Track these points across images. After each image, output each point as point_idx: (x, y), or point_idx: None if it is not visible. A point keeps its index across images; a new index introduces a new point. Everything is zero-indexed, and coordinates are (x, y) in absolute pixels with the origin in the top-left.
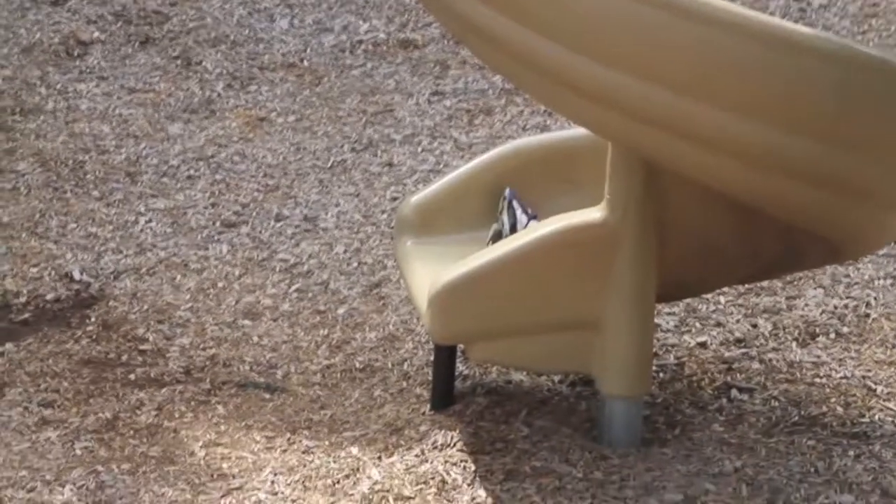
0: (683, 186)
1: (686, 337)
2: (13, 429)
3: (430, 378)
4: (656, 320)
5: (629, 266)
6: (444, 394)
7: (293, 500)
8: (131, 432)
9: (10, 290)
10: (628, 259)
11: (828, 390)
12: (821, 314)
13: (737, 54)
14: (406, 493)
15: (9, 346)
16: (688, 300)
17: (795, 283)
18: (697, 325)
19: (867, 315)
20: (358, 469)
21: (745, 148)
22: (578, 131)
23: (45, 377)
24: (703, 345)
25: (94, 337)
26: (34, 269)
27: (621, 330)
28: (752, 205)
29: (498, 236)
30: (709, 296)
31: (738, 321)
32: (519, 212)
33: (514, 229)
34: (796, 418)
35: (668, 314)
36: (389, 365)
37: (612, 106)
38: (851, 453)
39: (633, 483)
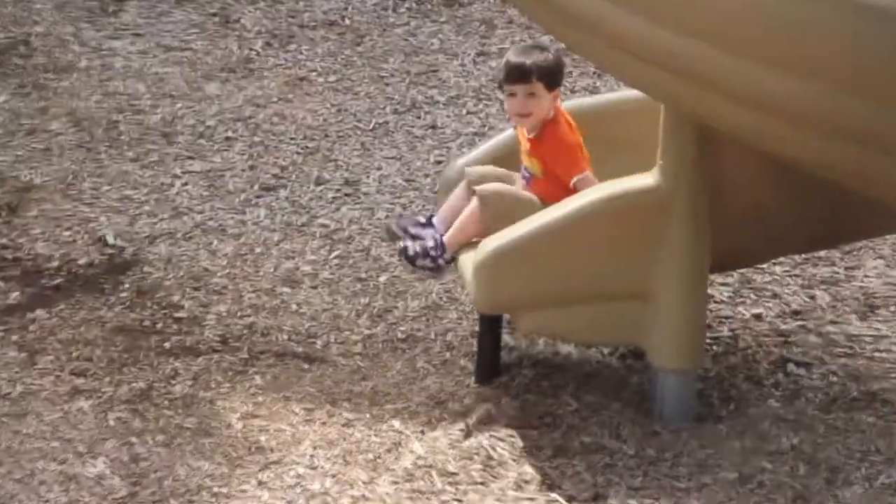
0: (736, 151)
1: (741, 308)
2: (45, 398)
3: (475, 349)
4: (709, 291)
5: (682, 233)
6: (490, 366)
7: (333, 475)
8: (166, 403)
9: (42, 254)
10: (681, 226)
11: (888, 365)
12: (881, 285)
13: (796, 14)
14: (450, 468)
15: (40, 312)
16: (742, 270)
17: (855, 252)
18: (752, 296)
19: None
20: (400, 443)
21: (802, 110)
22: (628, 94)
23: (77, 345)
24: (758, 317)
25: (128, 304)
26: (67, 233)
27: (673, 300)
28: (808, 169)
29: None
30: (764, 266)
31: (794, 292)
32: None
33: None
34: (855, 394)
35: (722, 285)
36: (432, 335)
37: (670, 68)
38: None
39: (687, 460)
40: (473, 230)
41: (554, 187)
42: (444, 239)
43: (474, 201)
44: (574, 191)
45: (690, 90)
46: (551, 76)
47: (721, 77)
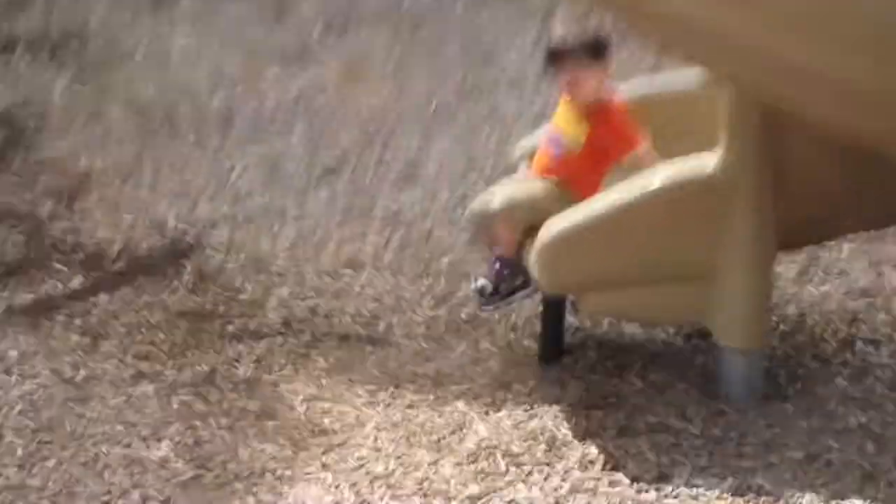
0: (800, 131)
1: (808, 287)
2: (108, 382)
3: (539, 330)
4: (777, 269)
5: (745, 215)
6: (554, 346)
7: (397, 457)
8: (229, 386)
9: (104, 238)
10: (744, 207)
11: None
12: None
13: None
14: (515, 449)
15: (102, 296)
16: (810, 248)
17: None
18: (820, 274)
19: None
20: (464, 425)
21: (864, 89)
22: (691, 75)
23: (140, 329)
24: (826, 295)
25: (190, 287)
26: (128, 218)
27: (737, 281)
28: (868, 148)
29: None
30: (832, 243)
31: (862, 270)
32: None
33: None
34: None
35: (790, 262)
36: (496, 316)
37: (734, 48)
38: None
39: (753, 440)
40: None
41: (588, 166)
42: (497, 254)
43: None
44: (600, 181)
45: (758, 70)
46: (595, 49)
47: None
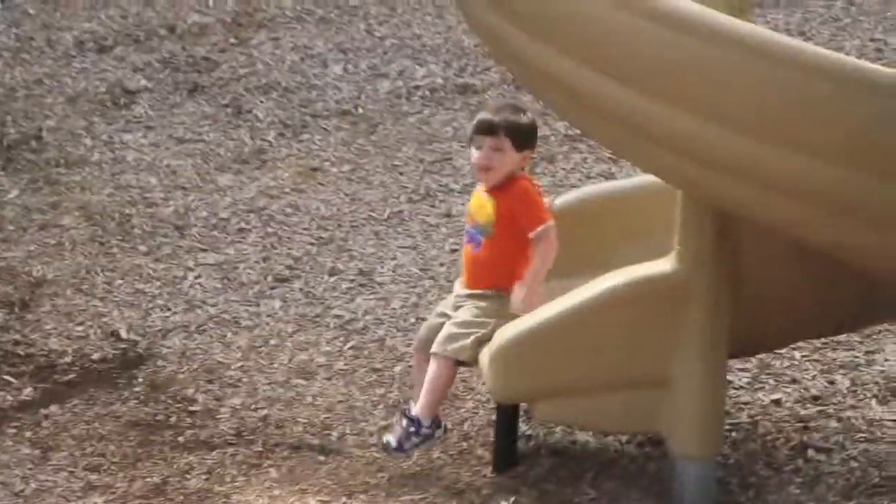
0: (758, 236)
1: (760, 394)
2: (59, 494)
3: (492, 439)
4: (728, 377)
5: (701, 321)
6: (507, 455)
7: None
8: (181, 498)
9: (55, 349)
10: (700, 313)
11: None
12: None
13: (810, 94)
14: None
15: (53, 408)
16: (761, 355)
17: (874, 336)
18: (771, 381)
19: None
20: None
21: (823, 191)
22: (644, 179)
23: (91, 440)
24: (777, 402)
25: (141, 398)
26: (80, 328)
27: (692, 387)
28: (833, 253)
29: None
30: (783, 351)
31: (814, 377)
32: None
33: None
34: (877, 480)
35: (741, 370)
36: (449, 425)
37: (684, 152)
38: None
39: None
40: (442, 390)
41: (506, 245)
42: (415, 412)
43: (433, 362)
44: (526, 253)
45: (712, 176)
46: (520, 135)
47: (744, 162)
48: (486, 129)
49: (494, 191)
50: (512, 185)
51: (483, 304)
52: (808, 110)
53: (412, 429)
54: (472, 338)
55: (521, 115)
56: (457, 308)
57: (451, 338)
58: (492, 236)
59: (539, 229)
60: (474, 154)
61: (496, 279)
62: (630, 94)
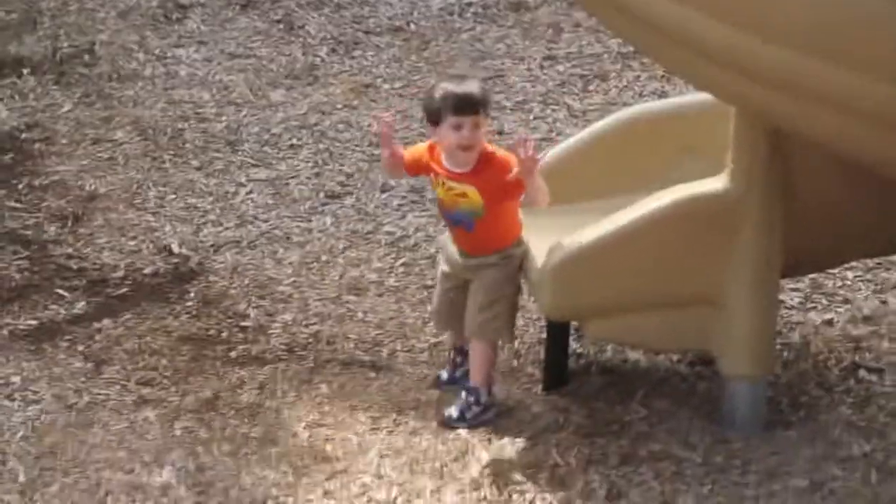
0: (809, 153)
1: (811, 314)
2: (111, 408)
3: (543, 356)
4: (780, 297)
5: (753, 238)
6: (557, 373)
7: (399, 484)
8: (232, 412)
9: (108, 263)
10: (752, 231)
11: None
12: None
13: (861, 10)
14: (517, 477)
15: (106, 321)
16: (813, 275)
17: None
18: (823, 301)
19: None
20: (467, 452)
21: (875, 108)
22: (697, 97)
23: (143, 354)
24: (829, 322)
25: (193, 313)
26: (132, 242)
27: (744, 306)
28: (883, 170)
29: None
30: (835, 270)
31: (866, 297)
32: None
33: None
34: None
35: (793, 290)
36: (499, 342)
37: (737, 68)
38: None
39: (756, 468)
40: (490, 361)
41: (499, 212)
42: (472, 383)
43: (476, 346)
44: (517, 202)
45: (764, 91)
46: (489, 106)
47: (795, 77)
48: (469, 106)
49: (466, 176)
50: (484, 160)
51: (491, 271)
52: (858, 26)
53: (472, 398)
54: (502, 319)
55: (483, 84)
56: (465, 278)
57: (483, 326)
58: (483, 217)
59: (514, 171)
60: (453, 134)
61: (497, 243)
62: (684, 10)
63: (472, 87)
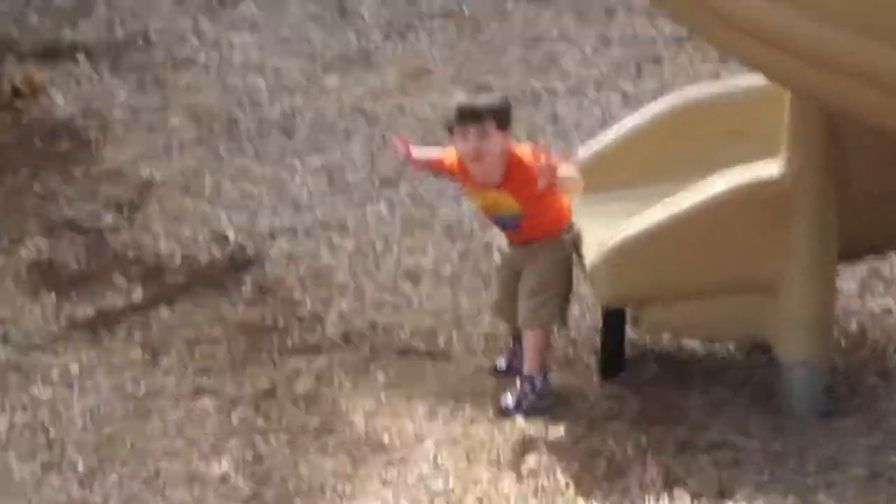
0: (864, 138)
1: (869, 301)
2: (168, 397)
3: (599, 344)
4: (837, 283)
5: (809, 223)
6: (614, 361)
7: (457, 474)
8: (289, 401)
9: (164, 252)
10: (808, 215)
11: None
12: None
13: None
14: (574, 466)
15: (163, 310)
16: (871, 262)
17: None
18: (881, 288)
19: None
20: (523, 440)
21: None
22: (745, 81)
23: (200, 343)
24: (888, 310)
25: (249, 301)
26: (188, 231)
27: (801, 290)
28: None
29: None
30: (892, 256)
31: None
32: None
33: None
34: None
35: (850, 277)
36: (555, 331)
37: (793, 50)
38: None
39: (815, 457)
40: (544, 348)
41: (541, 208)
42: (527, 371)
43: (529, 335)
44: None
45: (818, 73)
46: (502, 115)
47: (849, 59)
48: (468, 116)
49: (504, 184)
50: (513, 168)
51: (541, 257)
52: None
53: (527, 386)
54: (553, 305)
55: (495, 95)
56: (518, 269)
57: (534, 313)
58: (527, 216)
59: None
60: (460, 144)
61: (547, 232)
62: None
63: (481, 98)
